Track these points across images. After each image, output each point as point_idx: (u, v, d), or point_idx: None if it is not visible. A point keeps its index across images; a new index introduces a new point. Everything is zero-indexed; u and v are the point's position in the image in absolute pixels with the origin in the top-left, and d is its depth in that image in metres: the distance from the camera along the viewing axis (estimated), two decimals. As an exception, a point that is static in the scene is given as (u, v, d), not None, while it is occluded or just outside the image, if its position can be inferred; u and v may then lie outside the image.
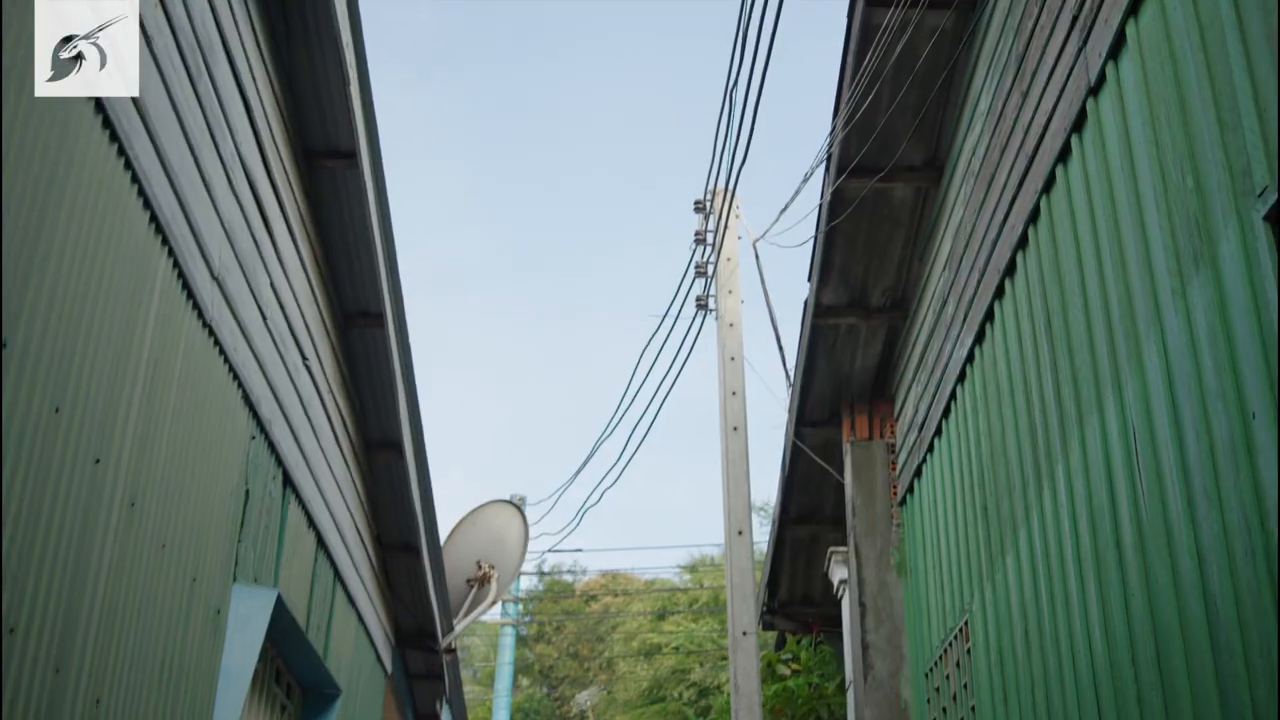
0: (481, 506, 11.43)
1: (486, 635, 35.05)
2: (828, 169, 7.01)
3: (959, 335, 6.29)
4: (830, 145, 6.79)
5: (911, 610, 7.57)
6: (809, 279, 7.77)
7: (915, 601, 7.47)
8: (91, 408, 3.47)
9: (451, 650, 10.34)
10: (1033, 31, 5.06)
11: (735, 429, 9.98)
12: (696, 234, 10.99)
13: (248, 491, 5.17)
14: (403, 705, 10.95)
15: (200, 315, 4.41)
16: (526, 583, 34.21)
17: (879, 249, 7.41)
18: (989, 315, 5.74)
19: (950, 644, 6.59)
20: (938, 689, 6.89)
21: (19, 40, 2.99)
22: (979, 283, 5.87)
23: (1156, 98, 3.86)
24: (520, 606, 27.35)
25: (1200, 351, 3.55)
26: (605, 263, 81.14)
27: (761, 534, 27.03)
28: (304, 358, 6.06)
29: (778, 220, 10.81)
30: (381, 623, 9.11)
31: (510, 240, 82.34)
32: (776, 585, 10.83)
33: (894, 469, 8.06)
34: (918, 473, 7.36)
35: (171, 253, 4.05)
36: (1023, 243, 5.22)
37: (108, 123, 3.48)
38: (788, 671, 11.37)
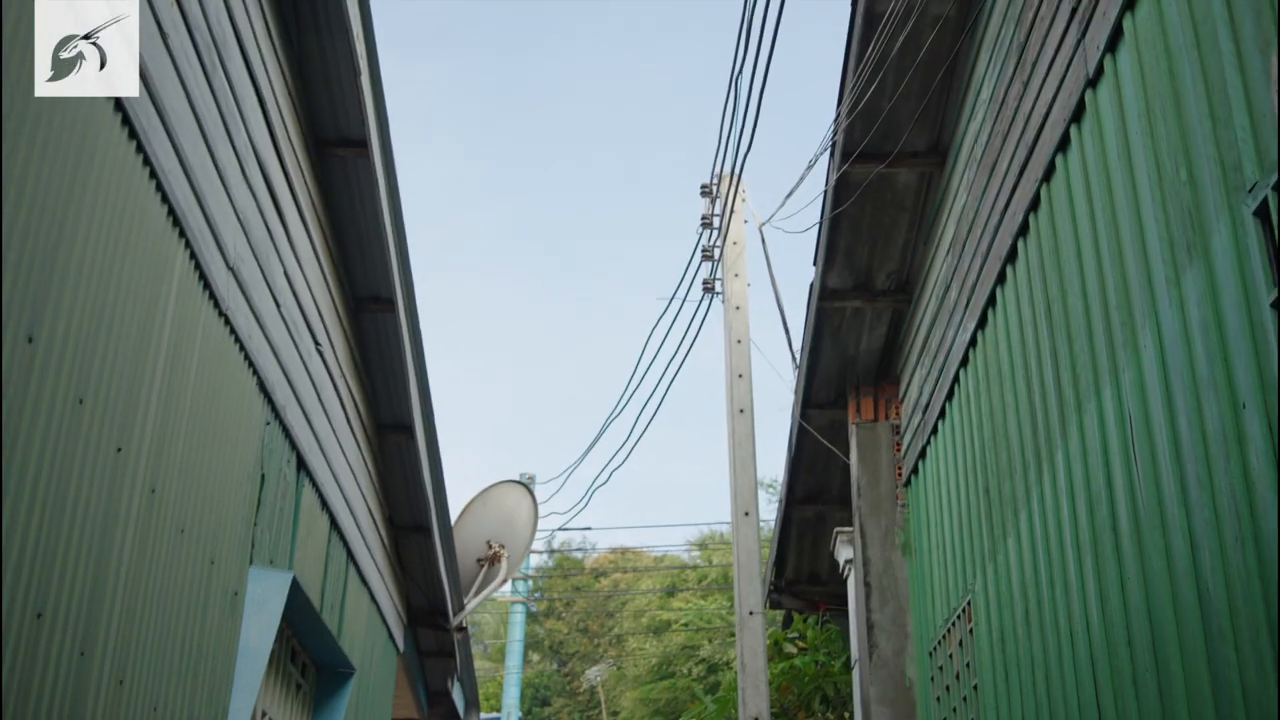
0: (491, 487, 11.55)
1: (497, 612, 35.29)
2: (832, 155, 7.08)
3: (962, 319, 6.37)
4: (834, 133, 6.86)
5: (916, 590, 7.67)
6: (814, 263, 7.85)
7: (919, 581, 7.57)
8: (113, 398, 3.57)
9: (463, 629, 10.47)
10: (1033, 21, 5.12)
11: (742, 411, 10.08)
12: (703, 218, 11.07)
13: (263, 476, 5.28)
14: (415, 682, 11.10)
15: (216, 305, 4.51)
16: (536, 560, 34.43)
17: (883, 233, 7.49)
18: (991, 300, 5.82)
19: (953, 623, 6.69)
20: (941, 668, 7.00)
21: (42, 44, 3.07)
22: (981, 268, 5.95)
23: (1152, 91, 3.93)
24: (530, 584, 27.54)
25: (1193, 342, 3.63)
26: (611, 245, 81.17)
27: (769, 511, 27.16)
28: (316, 343, 6.16)
29: (783, 205, 10.92)
30: (394, 602, 9.24)
31: (513, 221, 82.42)
32: (784, 564, 10.95)
33: (899, 450, 8.15)
34: (922, 454, 7.45)
35: (188, 245, 4.15)
36: (1024, 230, 5.30)
37: (126, 120, 3.57)
38: (794, 650, 11.50)
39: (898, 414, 8.25)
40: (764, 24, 7.62)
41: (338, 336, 6.80)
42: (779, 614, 12.39)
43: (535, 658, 39.22)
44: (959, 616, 6.56)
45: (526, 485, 11.97)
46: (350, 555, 7.33)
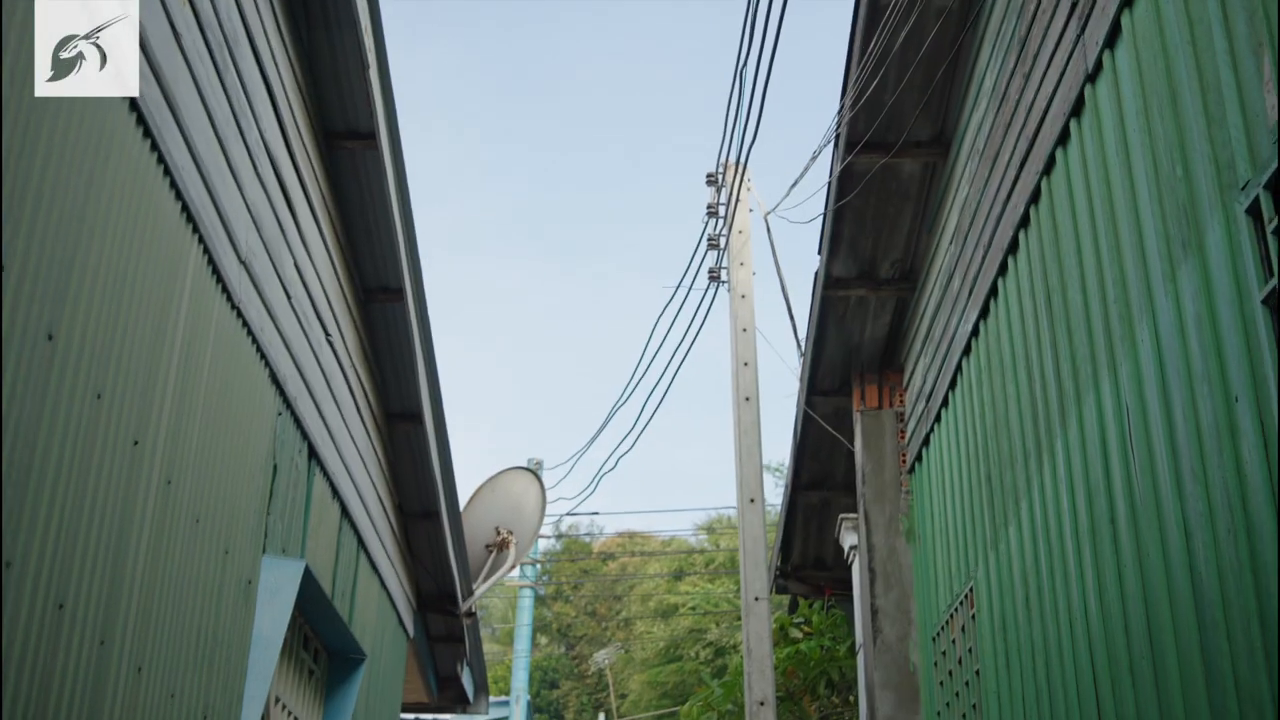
0: (500, 473, 11.64)
1: (505, 595, 35.44)
2: (836, 146, 7.14)
3: (964, 309, 6.43)
4: (839, 125, 6.92)
5: (919, 576, 7.75)
6: (819, 252, 7.91)
7: (923, 567, 7.65)
8: (130, 393, 3.65)
9: (472, 614, 10.58)
10: (1034, 14, 5.17)
11: (747, 399, 10.15)
12: (708, 207, 11.13)
13: (275, 466, 5.37)
14: (424, 667, 11.21)
15: (229, 298, 4.59)
16: (543, 543, 34.53)
17: (888, 222, 7.54)
18: (993, 291, 5.88)
19: (956, 609, 6.77)
20: (944, 653, 7.09)
21: (60, 49, 3.15)
22: (983, 258, 6.01)
23: (1150, 88, 3.99)
24: (538, 568, 27.65)
25: (1188, 336, 3.70)
26: (618, 230, 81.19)
27: (776, 495, 27.23)
28: (327, 334, 6.24)
29: (788, 195, 10.97)
30: (403, 588, 9.34)
31: (519, 206, 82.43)
32: (789, 549, 11.04)
33: (903, 437, 8.22)
34: (926, 441, 7.52)
35: (202, 240, 4.23)
36: (1025, 222, 5.36)
37: (142, 120, 3.64)
38: (800, 634, 11.59)
39: (902, 401, 8.31)
40: (768, 16, 7.68)
41: (347, 327, 6.88)
42: (785, 599, 12.49)
43: (543, 641, 39.40)
44: (961, 603, 6.64)
45: (534, 472, 12.06)
46: (361, 543, 7.43)
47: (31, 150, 2.97)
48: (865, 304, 8.04)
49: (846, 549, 9.35)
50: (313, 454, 6.07)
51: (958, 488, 6.74)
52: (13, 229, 2.87)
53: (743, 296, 10.50)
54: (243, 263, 4.73)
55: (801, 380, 9.10)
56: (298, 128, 5.65)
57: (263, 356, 5.10)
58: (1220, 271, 3.47)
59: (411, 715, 15.09)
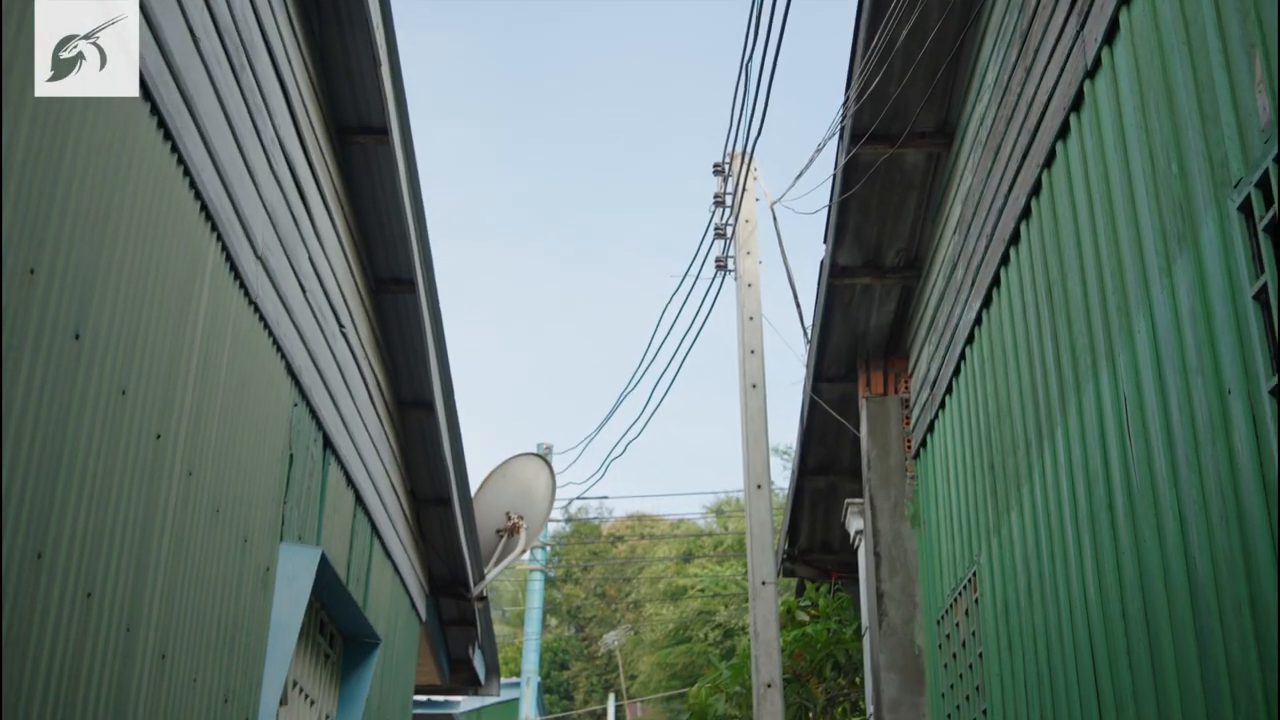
0: (510, 459, 11.76)
1: (515, 578, 35.64)
2: (841, 137, 7.22)
3: (968, 299, 6.52)
4: (843, 118, 6.99)
5: (924, 560, 7.86)
6: (825, 241, 7.99)
7: (928, 552, 7.75)
8: (152, 388, 3.76)
9: (483, 598, 10.71)
10: (1035, 9, 5.25)
11: (754, 386, 10.25)
12: (715, 196, 11.21)
13: (291, 456, 5.48)
14: (437, 650, 11.36)
15: (246, 293, 4.70)
16: (553, 526, 34.70)
17: (892, 211, 7.62)
18: (995, 281, 5.97)
19: (960, 594, 6.88)
20: (948, 636, 7.20)
21: (84, 57, 3.24)
22: (986, 249, 6.10)
23: (1147, 85, 4.07)
24: (548, 550, 27.82)
25: (1183, 329, 3.79)
26: (625, 218, 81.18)
27: (784, 478, 27.36)
28: (340, 326, 6.35)
29: (794, 185, 11.01)
30: (416, 573, 9.47)
31: (527, 193, 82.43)
32: (796, 533, 11.15)
33: (908, 423, 8.32)
34: (930, 428, 7.62)
35: (219, 237, 4.33)
36: (1026, 213, 5.44)
37: (162, 123, 3.74)
38: (806, 618, 11.70)
39: (907, 388, 8.41)
40: (774, 10, 7.75)
41: (360, 317, 6.99)
42: (792, 582, 12.60)
43: (553, 622, 39.62)
44: (965, 587, 6.75)
45: (544, 458, 12.18)
46: (374, 529, 7.55)
47: (58, 157, 3.07)
48: (870, 292, 8.13)
49: (852, 533, 9.46)
50: (327, 443, 6.19)
51: (961, 474, 6.84)
52: (41, 233, 2.97)
53: (749, 285, 10.59)
54: (259, 258, 4.84)
55: (808, 367, 9.20)
56: (311, 124, 5.75)
57: (279, 349, 5.21)
58: (1214, 267, 3.56)
59: (424, 697, 15.27)
